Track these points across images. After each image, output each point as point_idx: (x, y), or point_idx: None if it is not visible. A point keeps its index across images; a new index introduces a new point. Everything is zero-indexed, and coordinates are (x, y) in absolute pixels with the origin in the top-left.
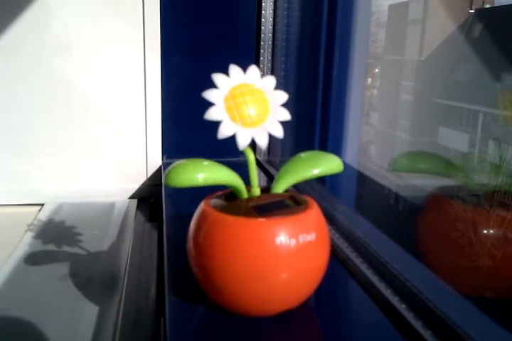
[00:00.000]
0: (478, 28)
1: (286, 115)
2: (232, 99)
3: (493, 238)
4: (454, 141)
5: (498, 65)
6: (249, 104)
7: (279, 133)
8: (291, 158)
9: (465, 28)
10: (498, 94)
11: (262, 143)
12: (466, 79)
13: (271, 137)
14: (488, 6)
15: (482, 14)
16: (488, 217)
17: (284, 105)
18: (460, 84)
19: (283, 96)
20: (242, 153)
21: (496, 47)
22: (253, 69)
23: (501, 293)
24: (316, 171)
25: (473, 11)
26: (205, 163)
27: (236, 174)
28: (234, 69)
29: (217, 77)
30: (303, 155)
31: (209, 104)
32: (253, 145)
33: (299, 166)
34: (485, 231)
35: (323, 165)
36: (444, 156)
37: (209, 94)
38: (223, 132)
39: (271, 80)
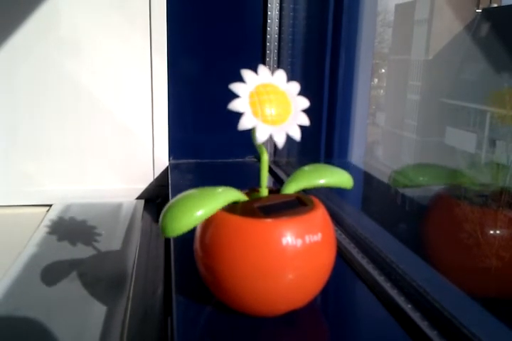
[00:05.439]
0: (485, 28)
1: (305, 120)
2: (257, 95)
3: (501, 239)
4: (461, 141)
5: (506, 64)
6: (272, 102)
7: (297, 135)
8: (302, 168)
9: (472, 27)
10: (505, 93)
11: (280, 141)
12: (474, 78)
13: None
14: (495, 5)
15: (489, 13)
16: (496, 217)
17: None
18: (467, 83)
19: (305, 103)
20: (247, 154)
21: (504, 47)
22: (280, 72)
23: (509, 294)
24: (323, 181)
25: (480, 11)
26: (197, 197)
27: (230, 189)
28: (263, 69)
29: (246, 73)
30: (307, 168)
31: (216, 105)
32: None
33: (308, 177)
34: (492, 232)
35: (333, 178)
36: (447, 167)
37: (236, 87)
38: (244, 124)
39: (295, 85)
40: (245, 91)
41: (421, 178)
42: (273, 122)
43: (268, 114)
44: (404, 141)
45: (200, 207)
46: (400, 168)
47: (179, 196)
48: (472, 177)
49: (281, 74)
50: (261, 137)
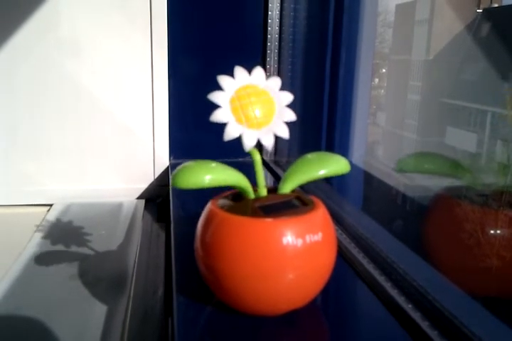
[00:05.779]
0: (486, 28)
1: (291, 116)
2: (238, 100)
3: (502, 238)
4: (462, 141)
5: (507, 64)
6: (254, 105)
7: (284, 134)
8: (297, 159)
9: (473, 27)
10: (507, 93)
11: (268, 144)
12: (474, 78)
13: (277, 137)
14: (496, 5)
15: (490, 13)
16: (497, 217)
17: (291, 105)
18: (468, 83)
19: (288, 97)
20: (248, 154)
21: (505, 47)
22: (258, 70)
23: (509, 294)
24: (322, 172)
25: (481, 11)
26: (212, 164)
27: (242, 175)
28: (239, 70)
29: (223, 79)
30: (309, 156)
31: (215, 105)
32: (259, 145)
33: (305, 167)
34: (493, 232)
35: (331, 165)
36: (451, 157)
37: (215, 97)
38: (229, 134)
39: (276, 81)
40: (225, 99)
41: (426, 166)
42: (259, 125)
43: (252, 118)
44: (404, 140)
45: (212, 173)
46: (406, 155)
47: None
48: (473, 170)
49: (259, 72)
50: (248, 143)
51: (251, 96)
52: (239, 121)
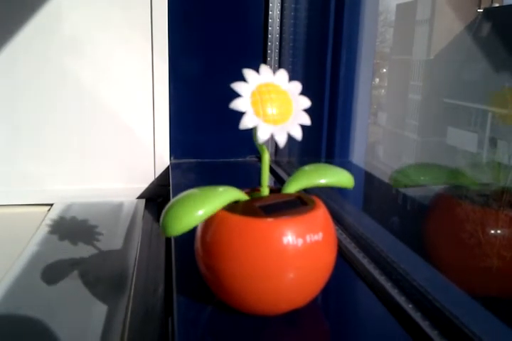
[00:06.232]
0: (486, 27)
1: (306, 120)
2: (259, 94)
3: (502, 238)
4: (463, 140)
5: (507, 64)
6: (274, 102)
7: (298, 135)
8: (302, 168)
9: (473, 27)
10: (507, 93)
11: (281, 140)
12: (475, 78)
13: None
14: (496, 5)
15: (491, 13)
16: (497, 217)
17: None
18: (468, 83)
19: (306, 103)
20: (248, 154)
21: (505, 47)
22: (282, 72)
23: (510, 293)
24: (323, 181)
25: (481, 10)
26: (198, 197)
27: (231, 189)
28: (265, 68)
29: (248, 72)
30: (312, 166)
31: (217, 105)
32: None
33: (308, 176)
34: (493, 232)
35: (334, 177)
36: (447, 167)
37: (238, 86)
38: (245, 123)
39: (297, 85)
40: (247, 90)
41: (422, 178)
42: (274, 122)
43: (270, 114)
44: (405, 140)
45: (201, 207)
46: (401, 167)
47: (180, 195)
48: (473, 177)
49: (282, 74)
50: (262, 136)
51: (271, 93)
52: (256, 113)
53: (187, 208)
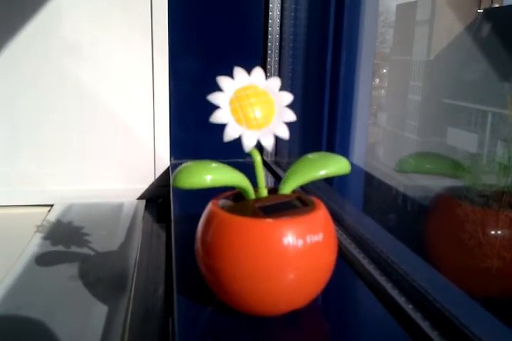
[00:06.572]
0: (486, 28)
1: (291, 116)
2: (238, 101)
3: (502, 239)
4: (463, 141)
5: (507, 64)
6: (254, 106)
7: (284, 134)
8: (298, 159)
9: (473, 27)
10: (507, 94)
11: (268, 144)
12: (475, 79)
13: (278, 138)
14: (496, 5)
15: (491, 14)
16: (497, 217)
17: (291, 106)
18: (468, 84)
19: (288, 97)
20: (249, 154)
21: (505, 47)
22: (258, 70)
23: (510, 294)
24: (323, 172)
25: (481, 11)
26: (213, 164)
27: (243, 175)
28: (238, 71)
29: (222, 80)
30: (310, 156)
31: (215, 106)
32: (260, 146)
33: (306, 167)
34: (493, 232)
35: (331, 166)
36: (452, 157)
37: (214, 97)
38: (229, 134)
39: (276, 81)
40: (224, 100)
41: (426, 166)
42: (258, 126)
43: (252, 119)
44: (405, 141)
45: (214, 173)
46: (407, 155)
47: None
48: (474, 171)
49: (258, 73)
50: (248, 144)
51: (250, 98)
52: (239, 121)
53: (201, 170)
